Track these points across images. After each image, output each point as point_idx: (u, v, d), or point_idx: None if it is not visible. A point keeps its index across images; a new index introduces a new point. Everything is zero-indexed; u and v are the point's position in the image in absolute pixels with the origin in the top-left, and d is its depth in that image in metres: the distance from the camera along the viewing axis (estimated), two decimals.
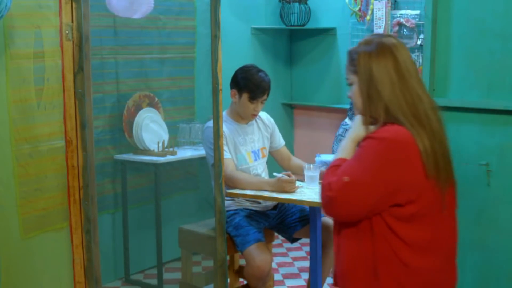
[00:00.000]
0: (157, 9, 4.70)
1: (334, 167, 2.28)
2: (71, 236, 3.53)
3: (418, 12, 5.52)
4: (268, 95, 4.03)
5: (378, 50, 2.26)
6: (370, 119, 2.28)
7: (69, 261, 3.51)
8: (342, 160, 2.29)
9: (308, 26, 6.20)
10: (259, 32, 6.15)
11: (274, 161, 4.34)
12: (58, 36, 3.42)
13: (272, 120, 4.26)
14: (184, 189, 5.31)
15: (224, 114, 4.08)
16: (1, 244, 3.28)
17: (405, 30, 5.58)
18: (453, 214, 2.35)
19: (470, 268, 2.83)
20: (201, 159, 4.89)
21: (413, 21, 5.50)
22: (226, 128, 3.99)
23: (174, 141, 5.01)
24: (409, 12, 5.57)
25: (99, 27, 4.52)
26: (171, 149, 4.75)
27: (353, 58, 2.32)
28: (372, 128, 2.29)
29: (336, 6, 6.05)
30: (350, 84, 2.36)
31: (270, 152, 4.25)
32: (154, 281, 4.81)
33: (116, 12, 4.16)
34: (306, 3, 6.13)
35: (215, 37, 3.52)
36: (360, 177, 2.17)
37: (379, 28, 5.65)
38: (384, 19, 5.63)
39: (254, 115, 4.04)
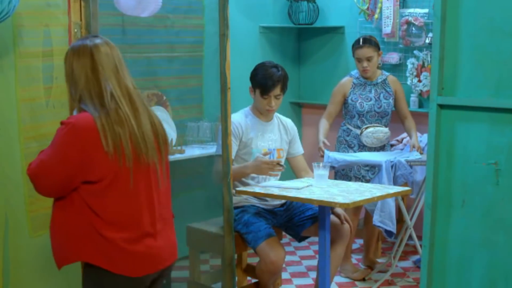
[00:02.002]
0: (165, 8, 4.70)
1: (43, 150, 2.59)
2: None
3: (426, 10, 5.50)
4: (283, 90, 4.06)
5: (80, 50, 2.61)
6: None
7: None
8: None
9: (316, 25, 6.20)
10: (267, 30, 6.15)
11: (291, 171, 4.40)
12: (66, 34, 3.43)
13: (295, 129, 4.35)
14: (192, 187, 5.31)
15: (247, 109, 4.22)
16: (10, 242, 3.30)
17: (413, 28, 5.56)
18: (150, 191, 2.63)
19: (478, 267, 2.83)
20: (209, 157, 4.89)
21: (422, 20, 5.48)
22: (244, 121, 4.10)
23: (182, 140, 5.02)
24: (418, 10, 5.56)
25: (107, 26, 4.53)
26: (179, 148, 4.76)
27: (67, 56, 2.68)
28: None
29: (344, 5, 6.04)
30: None
31: (287, 158, 4.29)
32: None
33: (124, 10, 4.17)
34: (314, 2, 6.12)
35: (223, 36, 3.52)
36: (49, 157, 2.50)
37: (387, 26, 5.64)
38: (392, 18, 5.62)
39: (270, 110, 4.08)
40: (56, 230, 2.58)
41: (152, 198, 2.65)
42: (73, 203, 2.52)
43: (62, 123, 2.53)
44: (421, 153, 4.73)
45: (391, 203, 4.52)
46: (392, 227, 4.50)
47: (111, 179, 2.50)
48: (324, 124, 4.99)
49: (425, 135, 5.13)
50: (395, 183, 4.50)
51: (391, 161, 4.54)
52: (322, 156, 4.74)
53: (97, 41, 2.64)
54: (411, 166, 4.61)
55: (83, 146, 2.47)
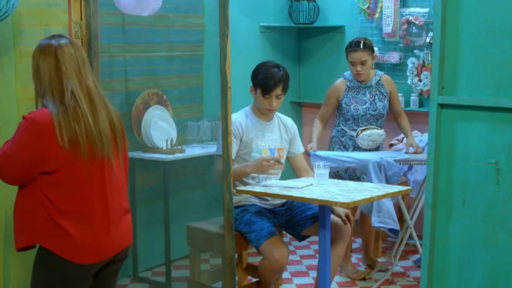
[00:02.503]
0: (166, 7, 4.70)
1: (8, 141, 2.75)
2: None
3: (427, 10, 5.51)
4: (284, 90, 4.06)
5: (45, 49, 2.73)
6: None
7: None
8: None
9: (316, 24, 6.20)
10: (268, 30, 6.15)
11: (291, 170, 4.40)
12: (67, 34, 3.42)
13: (295, 128, 4.34)
14: (192, 186, 5.32)
15: (248, 108, 4.21)
16: (10, 239, 3.30)
17: (414, 28, 5.57)
18: (103, 184, 2.76)
19: (479, 267, 2.83)
20: (210, 157, 4.90)
21: (422, 19, 5.48)
22: (245, 121, 4.10)
23: (183, 139, 5.02)
24: (418, 10, 5.56)
25: (108, 25, 4.53)
26: (179, 147, 4.76)
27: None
28: None
29: (344, 4, 6.04)
30: None
31: (287, 157, 4.28)
32: (162, 279, 4.82)
33: (125, 10, 4.17)
34: (315, 1, 6.12)
35: (223, 35, 3.52)
36: (10, 149, 2.67)
37: (388, 26, 5.64)
38: (392, 17, 5.62)
39: (271, 110, 4.08)
40: (17, 215, 2.75)
41: (105, 191, 2.77)
42: (32, 192, 2.69)
43: (23, 117, 2.69)
44: (420, 153, 4.72)
45: (386, 202, 4.46)
46: (395, 225, 4.44)
47: (65, 171, 2.65)
48: (318, 127, 4.97)
49: (425, 135, 5.13)
50: (388, 183, 4.44)
51: (377, 162, 4.49)
52: (309, 155, 4.70)
53: (62, 41, 2.76)
54: (400, 163, 4.55)
55: (40, 140, 2.62)
